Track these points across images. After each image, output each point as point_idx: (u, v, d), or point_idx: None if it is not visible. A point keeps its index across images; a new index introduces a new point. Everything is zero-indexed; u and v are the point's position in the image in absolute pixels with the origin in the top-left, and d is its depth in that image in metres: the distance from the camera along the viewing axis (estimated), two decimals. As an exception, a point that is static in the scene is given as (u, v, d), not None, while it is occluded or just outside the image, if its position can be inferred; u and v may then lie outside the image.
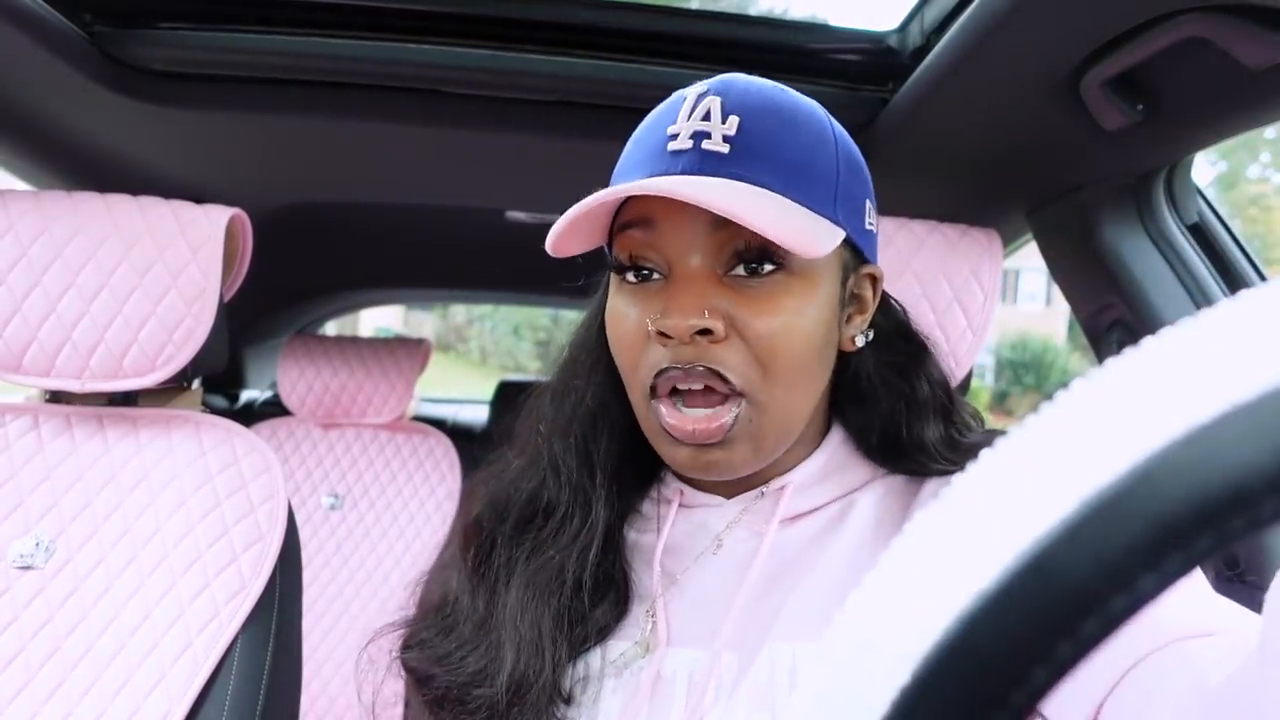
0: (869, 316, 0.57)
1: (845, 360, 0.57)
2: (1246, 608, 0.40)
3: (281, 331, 2.14)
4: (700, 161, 0.48)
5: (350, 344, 1.73)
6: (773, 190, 0.48)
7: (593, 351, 0.59)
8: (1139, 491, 0.13)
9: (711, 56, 0.96)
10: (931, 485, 0.57)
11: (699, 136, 0.49)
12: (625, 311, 0.52)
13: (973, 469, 0.16)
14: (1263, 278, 0.97)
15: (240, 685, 0.77)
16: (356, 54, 0.93)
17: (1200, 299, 0.91)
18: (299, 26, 0.92)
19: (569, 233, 0.50)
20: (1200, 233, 0.95)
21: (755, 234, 0.48)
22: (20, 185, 1.14)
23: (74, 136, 1.06)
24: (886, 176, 1.06)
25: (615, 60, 0.95)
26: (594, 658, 0.55)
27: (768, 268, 0.49)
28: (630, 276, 0.52)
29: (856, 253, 0.55)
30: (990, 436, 0.60)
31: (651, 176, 0.49)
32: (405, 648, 0.59)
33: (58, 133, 1.05)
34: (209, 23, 0.92)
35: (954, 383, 0.83)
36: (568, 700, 0.53)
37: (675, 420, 0.50)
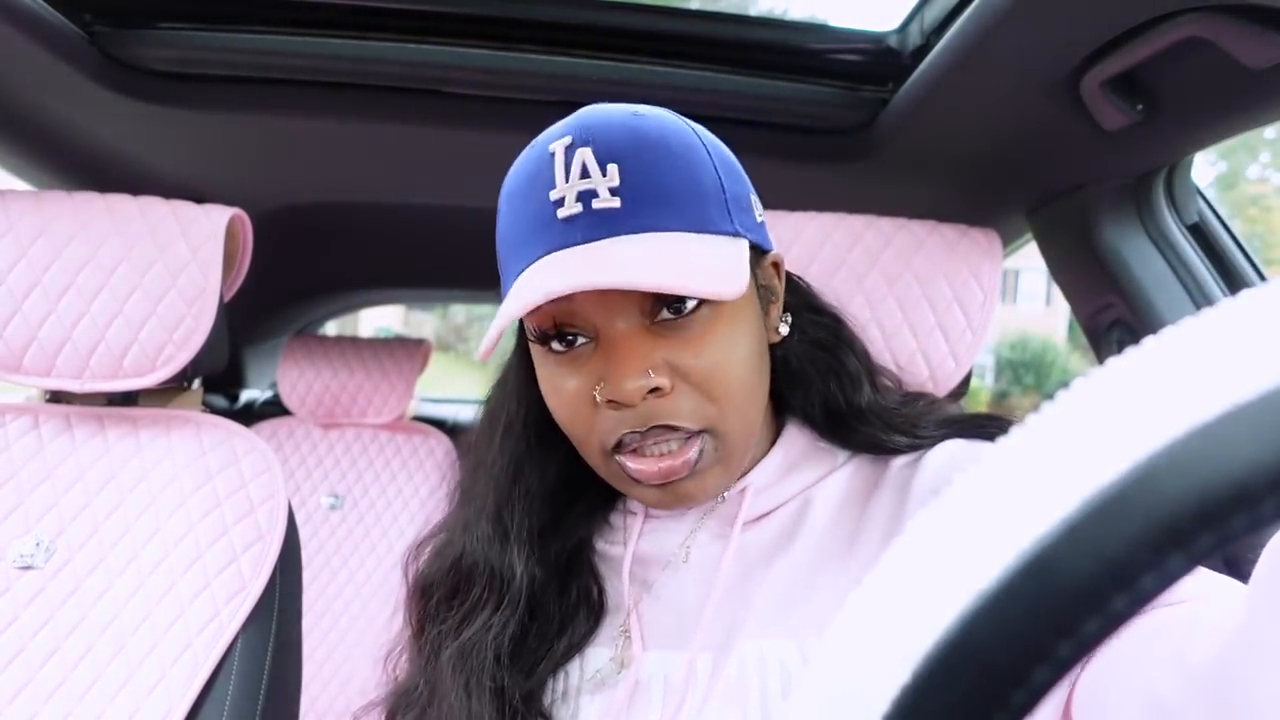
0: (781, 302, 0.57)
1: (772, 351, 0.58)
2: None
3: (281, 331, 2.14)
4: (596, 225, 0.46)
5: (350, 344, 1.73)
6: (672, 230, 0.47)
7: (506, 414, 0.59)
8: (1140, 490, 0.13)
9: (711, 56, 0.96)
10: (897, 465, 0.57)
11: (586, 196, 0.46)
12: (562, 383, 0.50)
13: (974, 469, 0.16)
14: (1263, 278, 0.97)
15: (240, 685, 0.77)
16: (356, 54, 0.93)
17: (1200, 299, 0.91)
18: (299, 26, 0.92)
19: (496, 339, 0.48)
20: (1200, 233, 0.95)
21: None
22: (20, 185, 1.14)
23: (74, 136, 1.06)
24: (886, 177, 1.07)
25: (615, 60, 0.95)
26: (573, 670, 0.55)
27: (691, 304, 0.48)
28: (556, 345, 0.50)
29: (755, 248, 0.54)
30: (912, 398, 0.61)
31: (550, 252, 0.47)
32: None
33: (58, 133, 1.05)
34: (209, 23, 0.92)
35: (954, 383, 0.83)
36: (546, 717, 0.53)
37: (641, 466, 0.49)
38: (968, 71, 0.79)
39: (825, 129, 0.97)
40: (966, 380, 0.85)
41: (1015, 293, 16.58)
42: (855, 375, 0.59)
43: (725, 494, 0.57)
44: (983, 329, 0.83)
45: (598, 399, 0.48)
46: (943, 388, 0.82)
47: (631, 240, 0.46)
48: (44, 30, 0.83)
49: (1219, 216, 0.96)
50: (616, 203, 0.46)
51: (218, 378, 2.01)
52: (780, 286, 0.58)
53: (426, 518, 1.62)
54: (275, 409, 1.79)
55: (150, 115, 1.00)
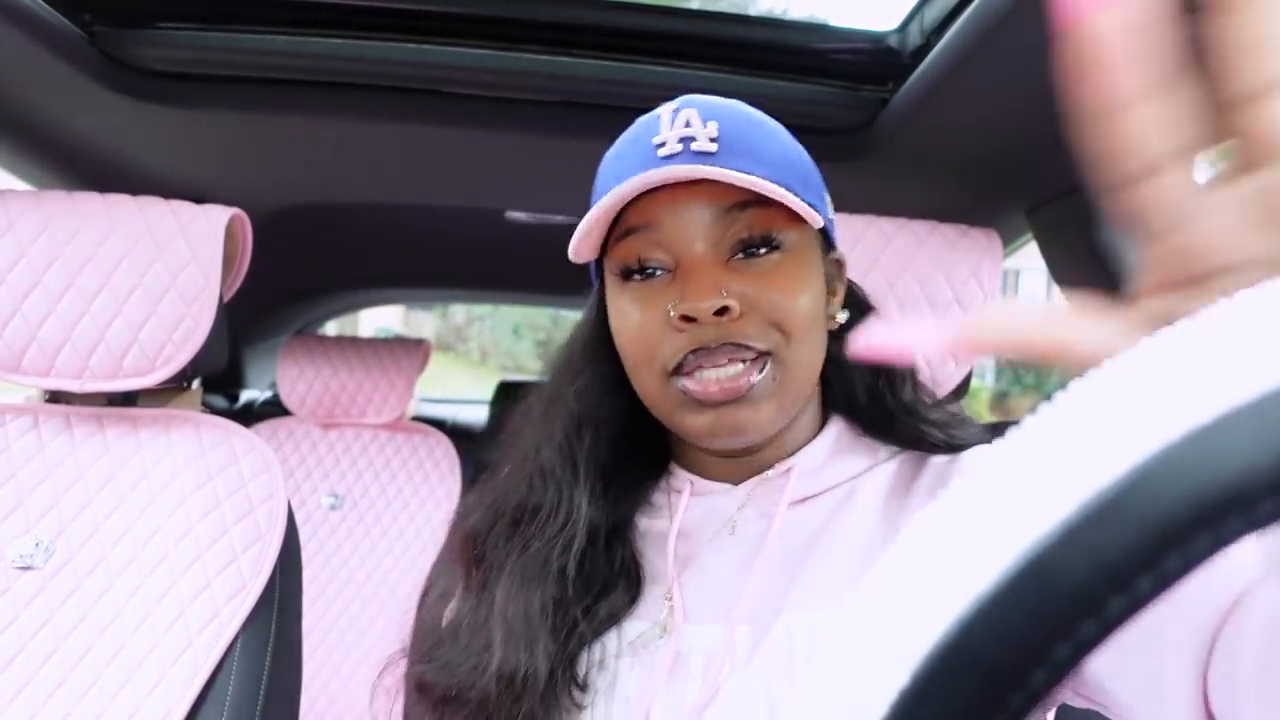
0: (841, 298, 0.61)
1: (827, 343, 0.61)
2: None
3: (281, 331, 2.14)
4: (693, 159, 0.51)
5: (350, 344, 1.73)
6: (762, 176, 0.52)
7: (578, 358, 0.62)
8: (1137, 493, 0.13)
9: (711, 56, 0.96)
10: (938, 462, 0.59)
11: (686, 140, 0.52)
12: (633, 308, 0.54)
13: (971, 470, 0.16)
14: (1263, 278, 0.97)
15: (240, 685, 0.77)
16: (357, 54, 0.93)
17: (1200, 299, 0.91)
18: (299, 26, 0.92)
19: (589, 240, 0.54)
20: (1200, 233, 0.95)
21: (756, 219, 0.52)
22: (20, 185, 1.14)
23: (74, 136, 1.06)
24: (886, 176, 1.07)
25: (615, 60, 0.95)
26: (610, 641, 0.56)
27: (765, 250, 0.53)
28: (637, 277, 0.55)
29: (826, 239, 0.60)
30: (945, 403, 0.64)
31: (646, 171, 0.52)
32: (411, 662, 0.60)
33: (58, 133, 1.05)
34: (209, 23, 0.92)
35: (954, 383, 0.83)
36: (583, 686, 0.54)
37: (698, 385, 0.52)
38: (968, 71, 0.79)
39: (825, 129, 0.97)
40: (966, 380, 0.85)
41: (1015, 293, 16.58)
42: (901, 375, 0.62)
43: (770, 473, 0.59)
44: (983, 329, 0.83)
45: (672, 314, 0.52)
46: (943, 388, 0.82)
47: (728, 171, 0.50)
48: (44, 30, 0.83)
49: (1219, 216, 0.96)
50: (713, 148, 0.52)
51: (217, 378, 2.01)
52: (841, 283, 0.62)
53: (427, 517, 1.63)
54: (275, 409, 1.79)
55: (150, 115, 1.00)
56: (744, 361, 0.52)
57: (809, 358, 0.55)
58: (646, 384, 0.56)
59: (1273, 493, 0.13)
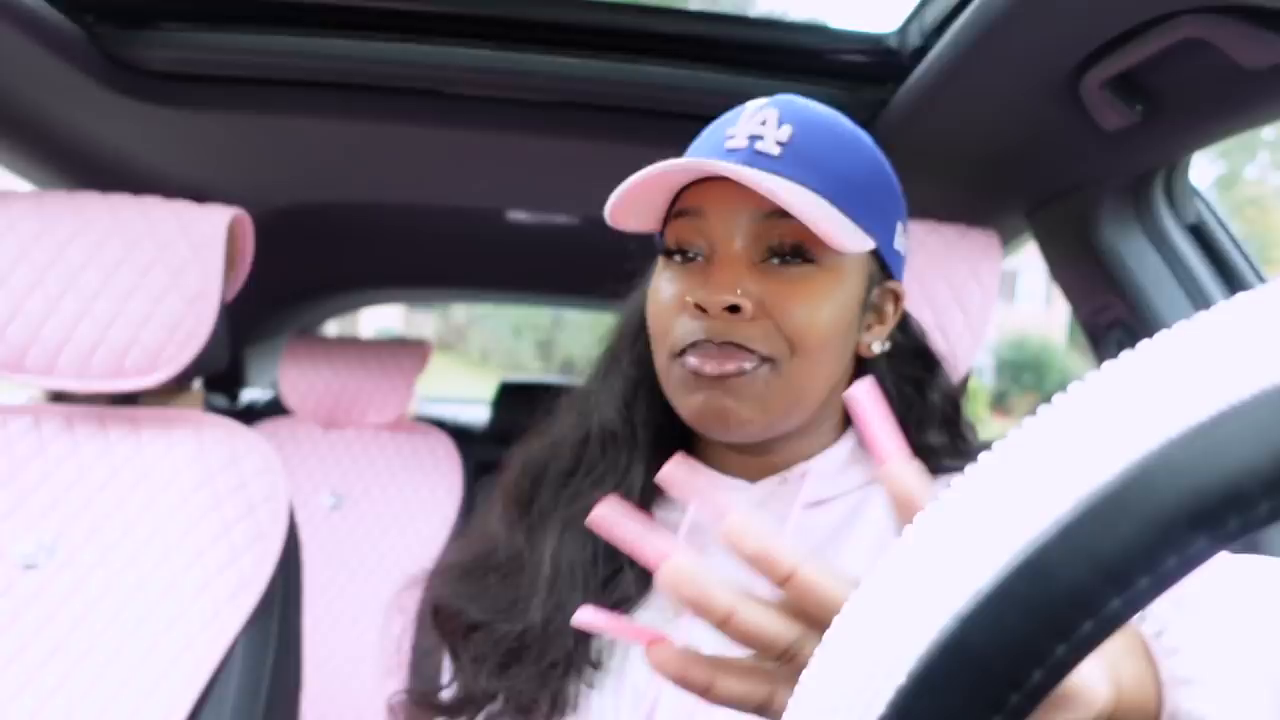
0: (888, 329, 0.61)
1: (861, 367, 0.61)
2: None
3: (282, 331, 2.14)
4: (751, 159, 0.53)
5: (351, 344, 1.73)
6: (813, 190, 0.53)
7: (634, 328, 0.64)
8: (1135, 493, 0.13)
9: (712, 57, 0.96)
10: (940, 484, 0.58)
11: (753, 138, 0.54)
12: (666, 286, 0.56)
13: (970, 471, 0.16)
14: (1261, 278, 0.97)
15: (241, 685, 0.77)
16: (357, 54, 0.93)
17: (1199, 299, 0.91)
18: (299, 26, 0.92)
19: (626, 204, 0.54)
20: (1199, 233, 0.95)
21: (794, 229, 0.52)
22: (22, 185, 1.14)
23: (75, 137, 1.06)
24: (886, 177, 1.07)
25: (615, 60, 0.95)
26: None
27: (799, 261, 0.54)
28: (676, 258, 0.57)
29: (883, 267, 0.59)
30: (987, 445, 0.62)
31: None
32: (438, 587, 0.61)
33: (59, 133, 1.05)
34: (210, 23, 0.92)
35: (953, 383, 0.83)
36: (595, 664, 0.55)
37: (696, 360, 0.53)
38: (967, 72, 0.79)
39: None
40: (966, 380, 0.85)
41: (1015, 293, 16.56)
42: (932, 416, 0.62)
43: (786, 475, 0.60)
44: (982, 329, 0.83)
45: (687, 300, 0.53)
46: (942, 388, 0.82)
47: (774, 177, 0.52)
48: (44, 30, 0.83)
49: (1218, 217, 0.96)
50: (776, 151, 0.53)
51: (218, 378, 2.01)
52: (892, 316, 0.61)
53: (427, 517, 1.63)
54: (276, 409, 1.79)
55: (151, 115, 1.00)
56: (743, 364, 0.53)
57: (816, 376, 0.55)
58: (658, 361, 0.58)
59: (1271, 492, 0.13)
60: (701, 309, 0.52)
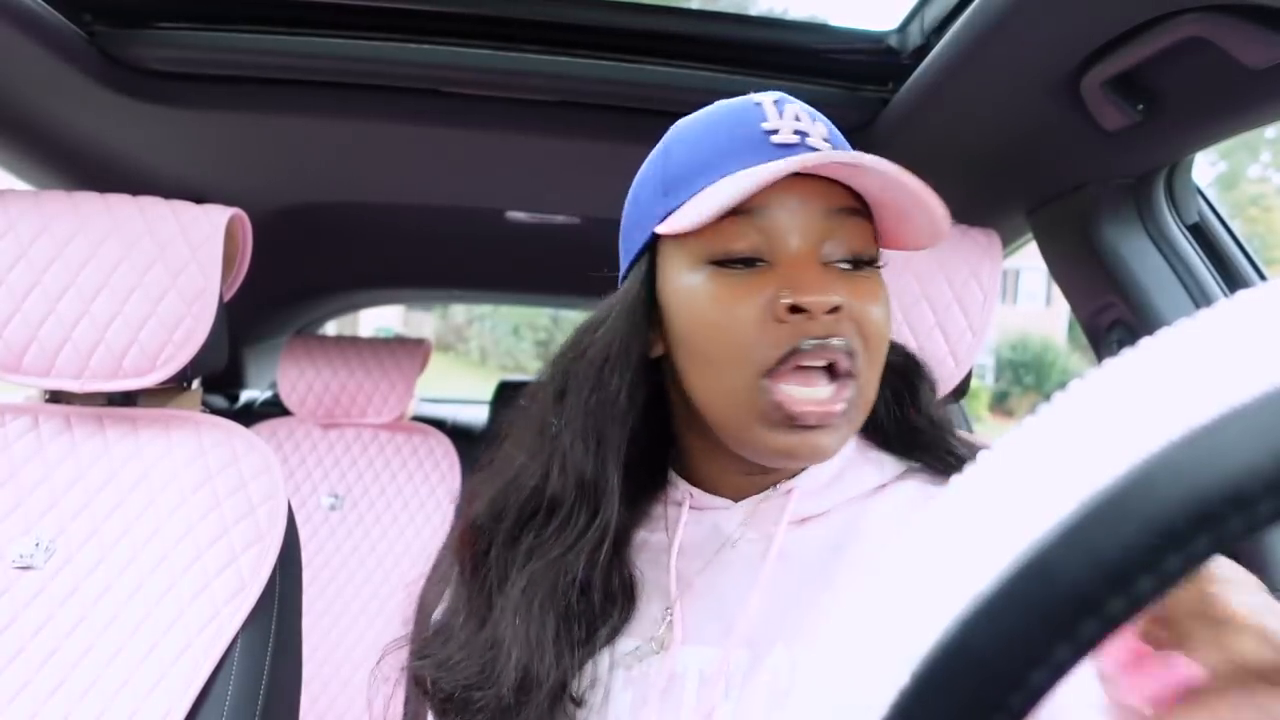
0: None
1: None
2: None
3: (281, 331, 2.14)
4: (811, 156, 0.49)
5: (350, 344, 1.73)
6: None
7: (627, 344, 0.55)
8: (1137, 493, 0.13)
9: (711, 56, 0.96)
10: (931, 488, 0.57)
11: (801, 134, 0.51)
12: (727, 295, 0.50)
13: (970, 472, 0.16)
14: (1263, 278, 0.97)
15: (240, 685, 0.77)
16: (356, 54, 0.93)
17: (1200, 299, 0.91)
18: (299, 26, 0.92)
19: (713, 215, 0.48)
20: (1200, 233, 0.95)
21: (860, 232, 0.51)
22: (20, 185, 1.14)
23: (74, 136, 1.06)
24: (886, 176, 1.07)
25: (615, 60, 0.95)
26: (603, 658, 0.55)
27: (866, 265, 0.52)
28: (738, 265, 0.51)
29: None
30: (972, 446, 0.61)
31: (766, 161, 0.49)
32: (411, 656, 0.59)
33: (57, 133, 1.05)
34: (209, 23, 0.92)
35: (954, 383, 0.83)
36: (578, 703, 0.53)
37: (795, 403, 0.48)
38: (968, 72, 0.79)
39: (825, 129, 0.97)
40: (966, 380, 0.85)
41: (1015, 293, 16.57)
42: (928, 397, 0.60)
43: (771, 492, 0.57)
44: (982, 329, 0.83)
45: (783, 302, 0.48)
46: (943, 388, 0.82)
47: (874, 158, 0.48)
48: (44, 30, 0.83)
49: (1219, 216, 0.96)
50: (827, 148, 0.50)
51: (217, 378, 2.01)
52: None
53: (427, 517, 1.63)
54: (275, 409, 1.79)
55: (150, 115, 1.00)
56: (835, 376, 0.49)
57: (876, 383, 0.53)
58: (729, 385, 0.50)
59: (1273, 492, 0.13)
60: (800, 310, 0.48)
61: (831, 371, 0.49)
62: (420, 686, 0.57)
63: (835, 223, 0.51)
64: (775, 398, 0.49)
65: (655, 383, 0.58)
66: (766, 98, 0.53)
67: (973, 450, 0.59)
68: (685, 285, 0.52)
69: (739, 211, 0.49)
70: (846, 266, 0.51)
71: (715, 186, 0.49)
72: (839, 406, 0.49)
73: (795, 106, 0.52)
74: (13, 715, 0.75)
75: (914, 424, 0.59)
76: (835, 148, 0.51)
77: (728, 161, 0.51)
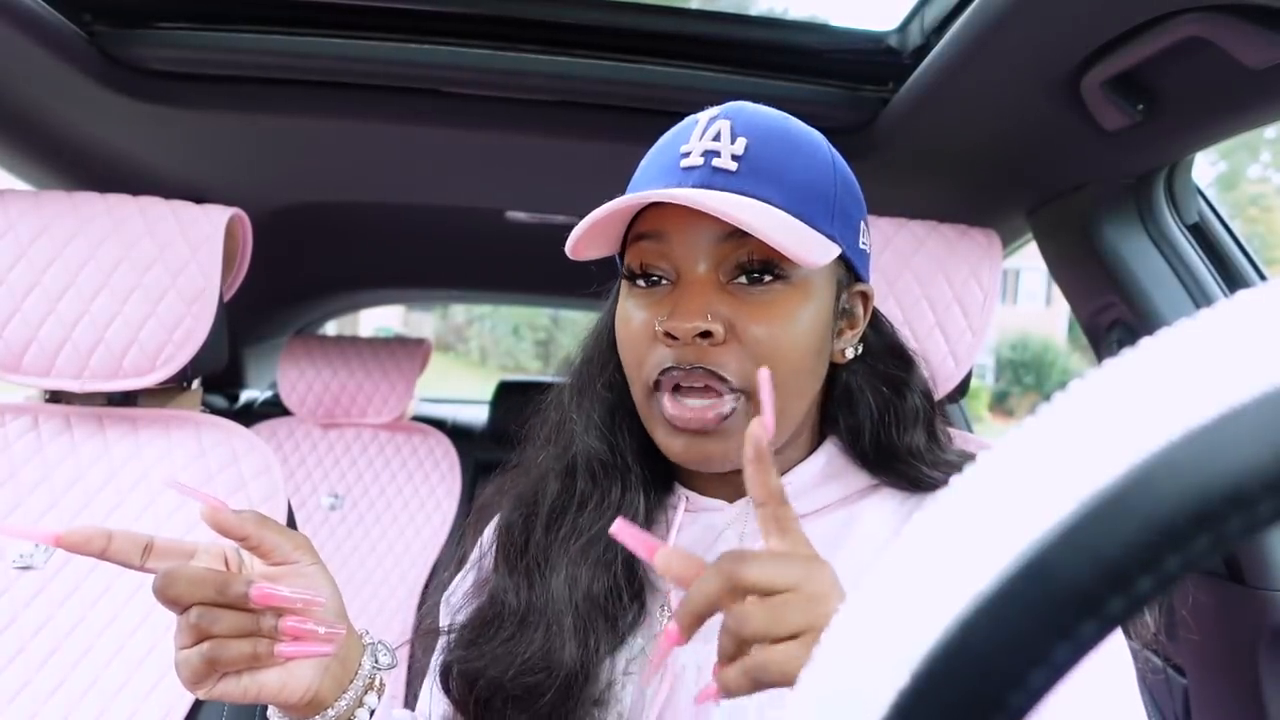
0: (860, 331, 0.60)
1: (836, 372, 0.60)
2: (1247, 608, 0.39)
3: (281, 331, 2.14)
4: (710, 177, 0.52)
5: (350, 344, 1.73)
6: (774, 205, 0.52)
7: (604, 352, 0.62)
8: (1137, 493, 0.13)
9: (711, 56, 0.96)
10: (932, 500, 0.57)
11: (709, 155, 0.52)
12: (633, 314, 0.55)
13: (970, 471, 0.16)
14: (1263, 277, 0.97)
15: None
16: (356, 54, 0.93)
17: (1200, 299, 0.91)
18: (299, 26, 0.92)
19: (587, 238, 0.53)
20: (1200, 232, 0.95)
21: (759, 247, 0.51)
22: (20, 185, 1.14)
23: (74, 136, 1.06)
24: (886, 176, 1.07)
25: (615, 60, 0.95)
26: (619, 657, 0.56)
27: (768, 278, 0.52)
28: (640, 283, 0.55)
29: (850, 270, 0.58)
30: (966, 456, 0.62)
31: (663, 187, 0.53)
32: (453, 650, 0.60)
33: (58, 133, 1.05)
34: (209, 23, 0.92)
35: (954, 383, 0.83)
36: (597, 702, 0.54)
37: (675, 410, 0.52)
38: (968, 71, 0.79)
39: (825, 129, 0.97)
40: (966, 380, 0.85)
41: (1015, 293, 16.57)
42: (912, 416, 0.60)
43: None
44: (982, 329, 0.83)
45: (657, 329, 0.52)
46: (943, 388, 0.82)
47: (735, 197, 0.51)
48: (44, 30, 0.83)
49: (1219, 216, 0.96)
50: (733, 166, 0.52)
51: (217, 378, 2.01)
52: (863, 318, 0.61)
53: (427, 517, 1.63)
54: (275, 409, 1.79)
55: (150, 115, 1.00)
56: (717, 394, 0.52)
57: (793, 396, 0.54)
58: (635, 391, 0.57)
59: (1273, 492, 0.13)
60: (672, 336, 0.51)
61: (711, 389, 0.52)
62: (466, 680, 0.57)
63: (734, 243, 0.52)
64: (661, 410, 0.54)
65: None
66: (705, 115, 0.55)
67: (954, 467, 0.59)
68: (620, 300, 0.58)
69: (648, 235, 0.54)
70: (744, 282, 0.53)
71: (588, 216, 0.52)
72: (711, 415, 0.52)
73: (724, 123, 0.53)
74: (13, 715, 0.75)
75: (892, 445, 0.59)
76: (749, 162, 0.52)
77: (647, 184, 0.55)
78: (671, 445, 0.54)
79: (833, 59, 0.95)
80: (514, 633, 0.57)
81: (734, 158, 0.52)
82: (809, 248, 0.50)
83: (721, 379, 0.51)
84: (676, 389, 0.53)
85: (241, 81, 0.97)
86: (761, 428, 0.39)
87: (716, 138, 0.53)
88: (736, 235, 0.51)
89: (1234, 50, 0.64)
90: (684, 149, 0.54)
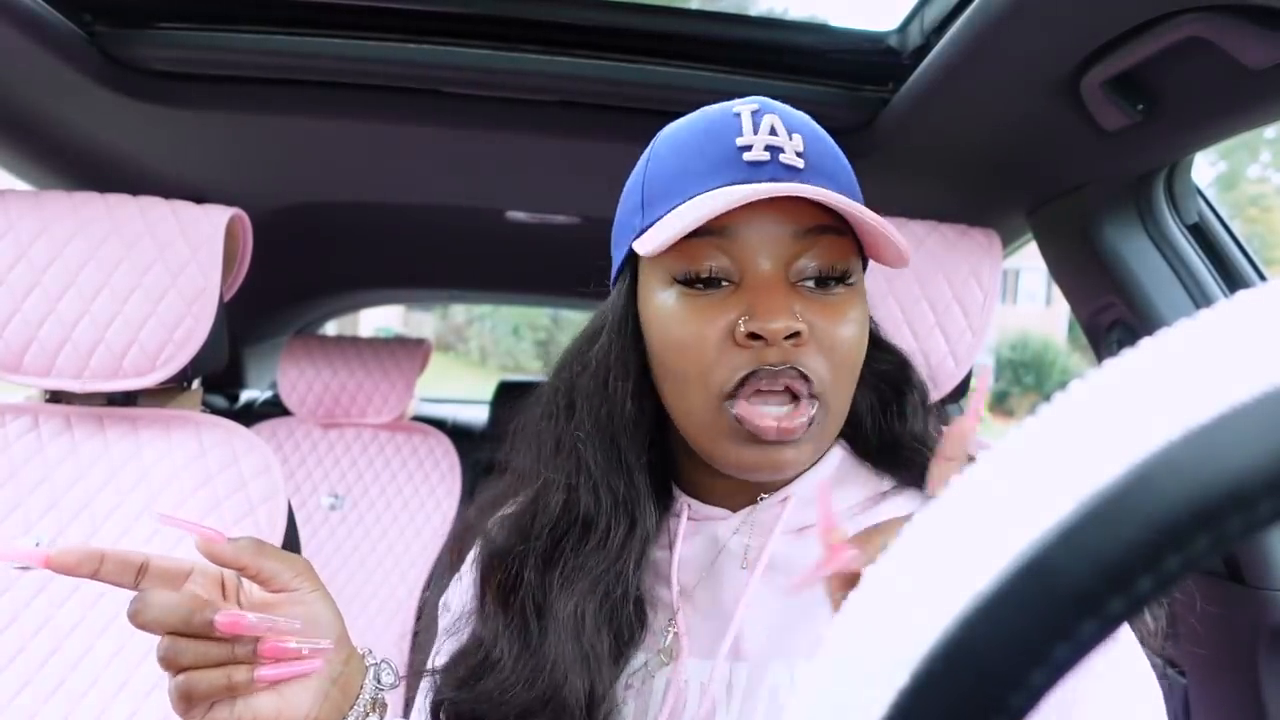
0: None
1: None
2: (1247, 608, 0.39)
3: (281, 331, 2.14)
4: (779, 173, 0.49)
5: (350, 344, 1.73)
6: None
7: (624, 357, 0.56)
8: (1137, 493, 0.13)
9: (711, 56, 0.96)
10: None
11: (773, 150, 0.50)
12: (692, 318, 0.51)
13: (970, 471, 0.16)
14: (1263, 278, 0.97)
15: None
16: (356, 54, 0.93)
17: (1200, 299, 0.91)
18: (299, 26, 0.92)
19: (668, 242, 0.49)
20: (1200, 233, 0.95)
21: (831, 249, 0.50)
22: (20, 185, 1.14)
23: (74, 136, 1.06)
24: (886, 176, 1.07)
25: (615, 60, 0.95)
26: (620, 677, 0.55)
27: (836, 284, 0.51)
28: (699, 286, 0.51)
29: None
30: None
31: (735, 183, 0.49)
32: (442, 690, 0.57)
33: (58, 133, 1.05)
34: (209, 23, 0.92)
35: (954, 383, 0.83)
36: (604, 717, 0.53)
37: (756, 419, 0.49)
38: (968, 72, 0.79)
39: (825, 129, 0.97)
40: (966, 380, 0.85)
41: (1015, 293, 16.57)
42: (914, 411, 0.59)
43: (765, 498, 0.56)
44: (982, 329, 0.83)
45: (741, 329, 0.49)
46: (943, 388, 0.82)
47: (824, 191, 0.48)
48: (44, 30, 0.83)
49: (1219, 216, 0.96)
50: (801, 163, 0.50)
51: (218, 378, 2.01)
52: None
53: (427, 517, 1.63)
54: (275, 409, 1.79)
55: (150, 115, 1.00)
56: (796, 398, 0.49)
57: (847, 403, 0.53)
58: (694, 404, 0.51)
59: (1274, 492, 0.13)
60: (758, 337, 0.48)
61: (791, 393, 0.50)
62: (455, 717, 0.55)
63: (806, 242, 0.50)
64: (737, 414, 0.50)
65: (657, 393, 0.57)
66: (746, 107, 0.52)
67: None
68: (658, 303, 0.53)
69: (707, 231, 0.49)
70: (811, 285, 0.51)
71: (677, 212, 0.50)
72: (798, 423, 0.49)
73: (773, 117, 0.51)
74: (13, 715, 0.75)
75: (897, 438, 0.58)
76: (811, 159, 0.50)
77: (699, 180, 0.51)
78: (744, 456, 0.50)
79: (833, 59, 0.95)
80: (510, 676, 0.53)
81: (798, 154, 0.50)
82: (903, 243, 0.49)
83: (806, 379, 0.49)
84: (755, 394, 0.49)
85: (242, 82, 0.97)
86: (827, 524, 0.39)
87: (772, 132, 0.50)
88: (810, 234, 0.49)
89: (1234, 50, 0.64)
90: (741, 142, 0.50)
